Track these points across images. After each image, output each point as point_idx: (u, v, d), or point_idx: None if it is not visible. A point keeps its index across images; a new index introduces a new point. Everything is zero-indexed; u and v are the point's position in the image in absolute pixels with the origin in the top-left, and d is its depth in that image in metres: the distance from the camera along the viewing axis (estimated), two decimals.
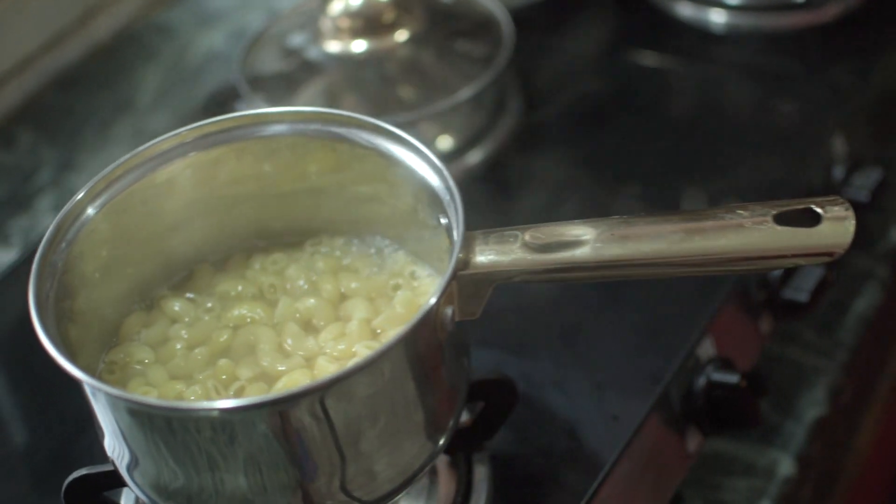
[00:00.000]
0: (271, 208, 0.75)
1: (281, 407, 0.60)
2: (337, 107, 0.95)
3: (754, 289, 0.85)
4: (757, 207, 0.64)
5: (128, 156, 0.71)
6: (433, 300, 0.61)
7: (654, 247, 0.63)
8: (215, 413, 0.60)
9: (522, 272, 0.64)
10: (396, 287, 0.73)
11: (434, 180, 0.67)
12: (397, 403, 0.63)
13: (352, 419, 0.62)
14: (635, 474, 0.76)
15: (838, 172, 0.92)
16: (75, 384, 0.84)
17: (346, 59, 0.93)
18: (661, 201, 0.92)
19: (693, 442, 0.81)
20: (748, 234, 0.63)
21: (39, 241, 0.99)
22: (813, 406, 0.87)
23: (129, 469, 0.67)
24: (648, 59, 1.03)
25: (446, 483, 0.74)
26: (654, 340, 0.81)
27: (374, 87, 0.94)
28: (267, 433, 0.61)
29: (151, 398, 0.63)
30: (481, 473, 0.74)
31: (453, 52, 0.95)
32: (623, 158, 0.95)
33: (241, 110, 0.97)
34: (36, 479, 0.80)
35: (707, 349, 0.81)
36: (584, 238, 0.64)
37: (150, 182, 0.71)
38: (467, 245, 0.64)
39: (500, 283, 0.64)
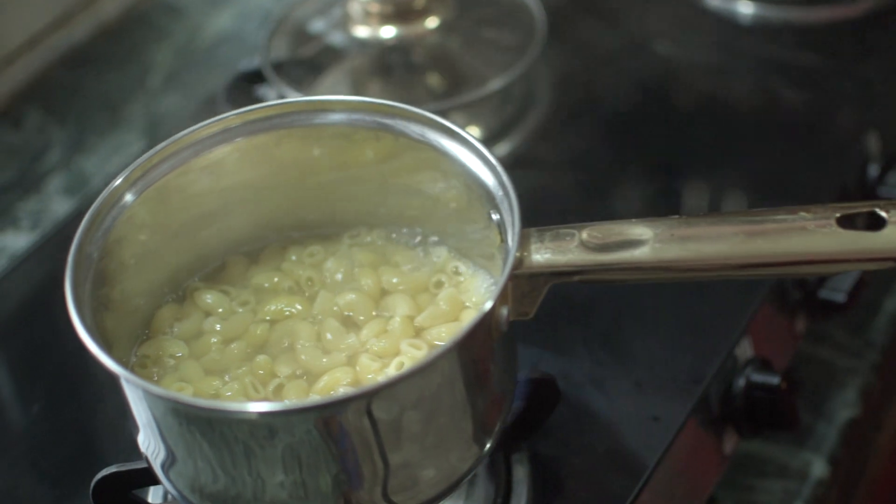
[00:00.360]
0: (309, 199, 0.73)
1: (338, 410, 0.58)
2: (362, 93, 0.93)
3: (791, 288, 0.83)
4: (819, 210, 0.62)
5: (168, 141, 0.68)
6: (491, 302, 0.60)
7: (715, 249, 0.62)
8: (266, 416, 0.58)
9: (580, 272, 0.62)
10: (439, 284, 0.71)
11: (486, 176, 0.65)
12: (447, 407, 0.62)
13: (400, 424, 0.60)
14: (674, 477, 0.75)
15: (873, 171, 0.91)
16: (99, 375, 0.82)
17: (373, 45, 0.91)
18: (692, 197, 0.90)
19: (729, 443, 0.79)
20: (811, 237, 0.61)
21: (52, 224, 0.99)
22: (845, 407, 0.86)
23: (165, 467, 0.65)
24: (676, 49, 1.01)
25: (485, 484, 0.72)
26: (692, 339, 0.79)
27: (402, 75, 0.91)
28: (314, 437, 0.59)
29: (200, 399, 0.61)
30: (520, 474, 0.72)
31: (483, 41, 0.93)
32: (651, 151, 0.93)
33: (266, 95, 0.96)
34: (59, 474, 0.77)
35: (745, 349, 0.79)
36: (643, 238, 0.62)
37: (189, 168, 0.69)
38: (522, 243, 0.62)
39: (557, 283, 0.62)
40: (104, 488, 0.69)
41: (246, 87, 0.94)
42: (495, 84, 0.89)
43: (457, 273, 0.71)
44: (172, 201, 0.69)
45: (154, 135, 1.05)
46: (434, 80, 0.92)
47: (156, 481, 0.69)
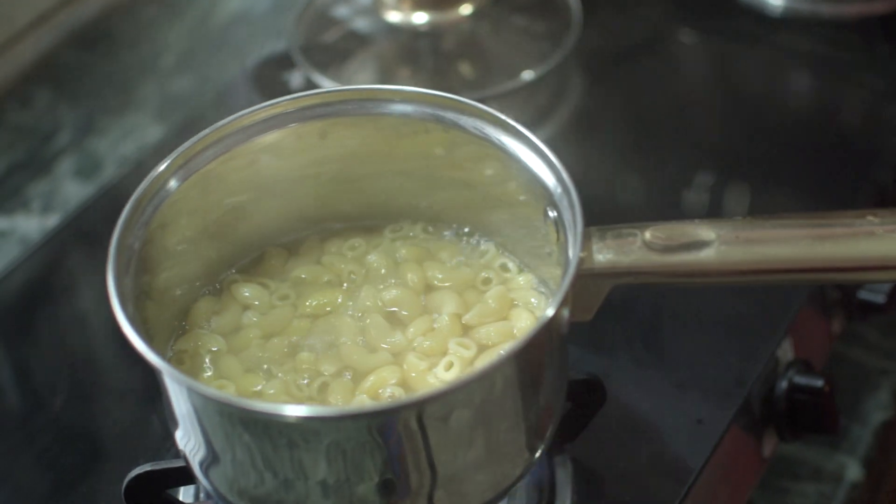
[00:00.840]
0: (351, 190, 0.70)
1: (405, 413, 0.56)
2: (390, 79, 0.91)
3: (830, 288, 0.82)
4: (887, 214, 0.61)
5: (212, 128, 0.66)
6: (555, 305, 0.58)
7: (782, 252, 0.60)
8: (327, 420, 0.56)
9: (644, 273, 0.60)
10: (487, 281, 0.69)
11: (543, 172, 0.63)
12: (504, 413, 0.60)
13: (455, 430, 0.58)
14: (717, 481, 0.73)
15: None
16: (122, 366, 0.81)
17: (405, 31, 0.89)
18: (725, 193, 0.89)
19: (769, 446, 0.78)
20: (881, 242, 0.60)
21: (62, 206, 0.96)
22: (879, 410, 0.85)
23: (204, 466, 0.63)
24: (705, 41, 0.99)
25: (527, 487, 0.70)
26: (734, 340, 0.77)
27: (433, 62, 0.89)
28: (367, 442, 0.57)
29: (255, 402, 0.58)
30: (563, 476, 0.70)
31: (515, 29, 0.91)
32: (682, 146, 0.91)
33: (294, 80, 0.93)
34: (83, 470, 0.75)
35: (786, 351, 0.78)
36: (707, 239, 0.60)
37: (233, 156, 0.66)
38: (584, 243, 0.60)
39: (618, 285, 0.61)
40: (137, 487, 0.67)
41: (272, 71, 0.92)
42: (528, 75, 0.87)
43: (504, 270, 0.69)
44: (213, 189, 0.67)
45: (168, 117, 1.02)
46: (465, 68, 0.89)
47: (192, 480, 0.67)
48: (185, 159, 0.65)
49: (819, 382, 0.76)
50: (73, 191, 0.98)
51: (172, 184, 0.65)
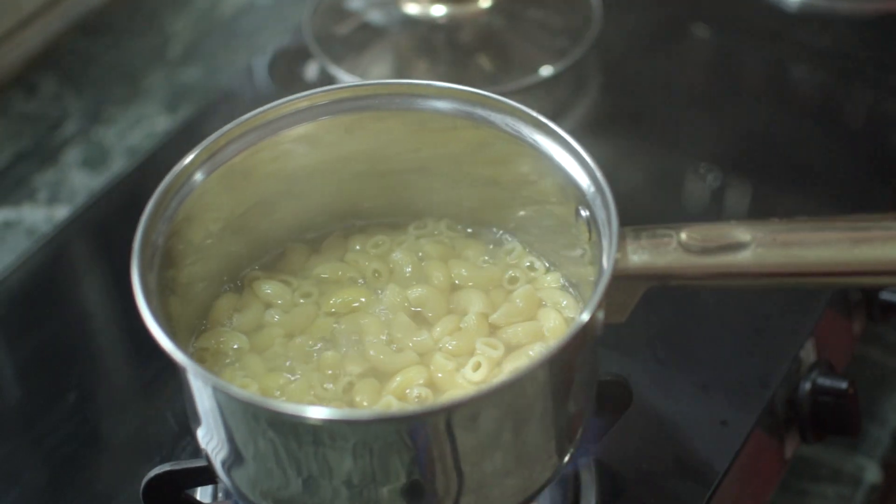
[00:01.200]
0: (375, 186, 0.69)
1: (432, 418, 0.55)
2: (409, 72, 0.89)
3: (853, 289, 0.81)
4: None
5: (238, 121, 0.65)
6: (591, 309, 0.56)
7: (820, 254, 0.59)
8: (368, 424, 0.55)
9: (679, 276, 0.59)
10: (513, 280, 0.68)
11: (576, 171, 0.62)
12: (535, 416, 0.59)
13: (487, 434, 0.57)
14: (740, 483, 0.72)
15: None
16: (133, 362, 0.79)
17: (422, 23, 0.88)
18: (742, 191, 0.88)
19: (790, 448, 0.77)
20: None
21: (71, 198, 0.95)
22: None
23: (226, 465, 0.62)
24: (723, 37, 0.98)
25: (552, 488, 0.69)
26: (757, 340, 0.77)
27: (450, 55, 0.88)
28: (399, 445, 0.56)
29: (284, 405, 0.57)
30: (587, 478, 0.70)
31: (533, 23, 0.90)
32: (700, 143, 0.90)
33: (310, 72, 0.92)
34: (97, 469, 0.74)
35: (809, 352, 0.77)
36: (744, 241, 0.59)
37: (258, 149, 0.65)
38: (619, 243, 0.59)
39: (653, 287, 0.60)
40: (156, 487, 0.66)
41: (287, 63, 0.90)
42: (547, 70, 0.86)
43: (531, 269, 0.68)
44: (238, 183, 0.66)
45: (177, 107, 1.01)
46: (483, 61, 0.88)
47: (212, 480, 0.66)
48: (210, 153, 0.64)
49: (843, 384, 0.75)
50: (80, 181, 0.96)
51: (198, 177, 0.64)
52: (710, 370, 0.75)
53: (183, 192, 0.63)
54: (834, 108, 0.94)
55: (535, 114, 0.63)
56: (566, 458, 0.62)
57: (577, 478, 0.69)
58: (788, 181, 0.88)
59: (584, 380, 0.61)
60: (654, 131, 0.90)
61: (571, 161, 0.62)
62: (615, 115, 0.91)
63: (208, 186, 0.64)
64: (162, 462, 0.71)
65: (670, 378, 0.75)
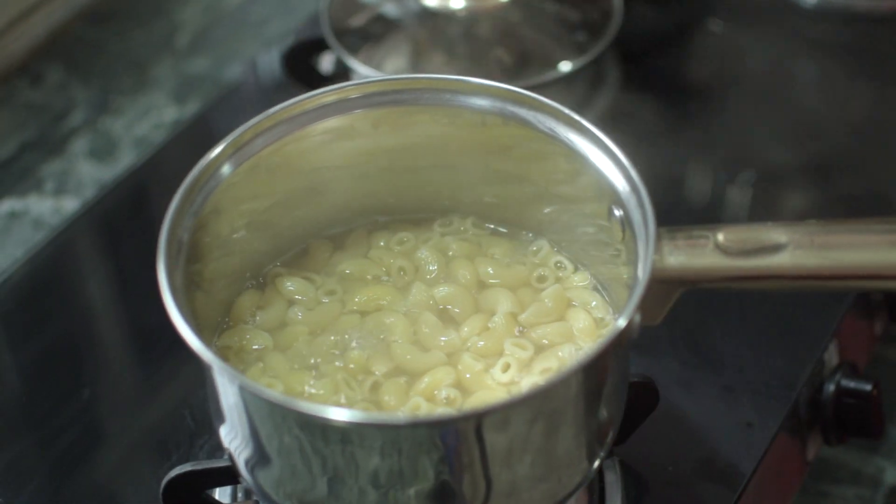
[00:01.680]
0: (401, 182, 0.68)
1: (464, 423, 0.54)
2: (426, 65, 0.88)
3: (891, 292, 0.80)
4: None
5: (264, 115, 0.63)
6: (629, 314, 0.55)
7: (858, 258, 0.58)
8: (410, 428, 0.54)
9: (716, 278, 0.58)
10: (542, 278, 0.67)
11: (610, 170, 0.61)
12: (568, 421, 0.58)
13: (520, 439, 0.57)
14: (765, 485, 0.72)
15: None
16: (145, 357, 0.78)
17: (440, 16, 0.86)
18: (762, 190, 0.87)
19: (812, 450, 0.76)
20: None
21: (78, 189, 0.93)
22: None
23: (250, 464, 0.60)
24: (741, 34, 0.97)
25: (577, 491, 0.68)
26: (780, 341, 0.76)
27: (467, 48, 0.87)
28: (430, 449, 0.55)
29: (315, 406, 0.55)
30: (612, 480, 0.69)
31: (553, 18, 0.88)
32: (721, 140, 0.90)
33: (326, 64, 0.91)
34: (114, 468, 0.72)
35: (831, 353, 0.76)
36: (781, 243, 0.58)
37: (284, 144, 0.64)
38: (655, 245, 0.58)
39: (689, 289, 0.59)
40: (176, 487, 0.65)
41: (302, 55, 0.89)
42: (566, 66, 0.84)
43: (560, 267, 0.67)
44: (263, 178, 0.65)
45: (185, 98, 0.99)
46: (500, 55, 0.86)
47: (233, 481, 0.65)
48: (236, 146, 0.63)
49: (867, 386, 0.75)
50: (88, 172, 0.95)
51: (224, 170, 0.62)
52: (734, 371, 0.74)
53: (209, 185, 0.62)
54: (854, 106, 0.93)
55: (571, 113, 0.62)
56: (596, 463, 0.61)
57: (601, 479, 0.68)
58: (808, 179, 0.87)
59: (616, 383, 0.60)
60: (674, 129, 0.89)
61: (606, 160, 0.61)
62: (634, 112, 0.89)
63: (234, 180, 0.63)
64: (179, 461, 0.70)
65: (695, 379, 0.74)
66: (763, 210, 0.84)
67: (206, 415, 0.72)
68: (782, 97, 0.93)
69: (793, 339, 0.76)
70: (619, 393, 0.62)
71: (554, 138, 0.62)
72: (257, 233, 0.66)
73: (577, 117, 0.62)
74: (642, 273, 0.57)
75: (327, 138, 0.65)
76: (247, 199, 0.64)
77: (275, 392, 0.57)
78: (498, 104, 0.63)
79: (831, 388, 0.75)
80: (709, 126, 0.90)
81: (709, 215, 0.84)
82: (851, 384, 0.75)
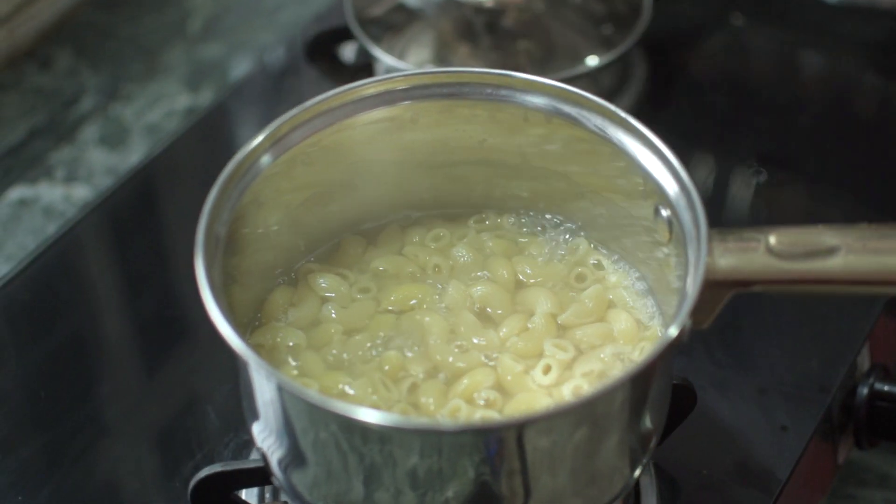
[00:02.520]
0: (435, 176, 0.67)
1: (508, 431, 0.53)
2: (449, 56, 0.86)
3: None
4: None
5: (301, 107, 0.62)
6: (681, 320, 0.54)
7: None
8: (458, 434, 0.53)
9: (768, 281, 0.57)
10: (581, 277, 0.65)
11: (657, 169, 0.60)
12: (611, 430, 0.57)
13: (560, 446, 0.55)
14: (798, 489, 0.71)
15: None
16: (166, 353, 0.76)
17: (465, 6, 0.85)
18: (789, 190, 0.86)
19: (843, 453, 0.75)
20: None
21: (89, 177, 0.91)
22: None
23: (285, 465, 0.59)
24: (767, 30, 0.96)
25: None
26: (814, 344, 0.75)
27: (491, 40, 0.85)
28: (473, 454, 0.54)
29: (357, 409, 0.54)
30: (647, 483, 0.67)
31: (580, 11, 0.87)
32: (747, 137, 0.88)
33: (349, 53, 0.89)
34: (135, 467, 0.71)
35: (864, 356, 0.75)
36: (834, 246, 0.57)
37: (321, 137, 0.63)
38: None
39: (739, 292, 0.57)
40: (205, 488, 0.63)
41: (327, 44, 0.87)
42: (593, 60, 0.83)
43: (599, 267, 0.66)
44: (300, 171, 0.63)
45: (197, 84, 0.98)
46: (525, 49, 0.85)
47: (262, 482, 0.63)
48: (273, 139, 0.61)
49: None
50: (98, 159, 0.93)
51: (264, 160, 0.61)
52: (768, 373, 0.73)
53: (246, 179, 0.60)
54: (878, 102, 0.92)
55: (621, 112, 0.60)
56: (638, 471, 0.60)
57: (636, 483, 0.67)
58: (837, 179, 0.86)
59: (661, 389, 0.59)
60: (702, 126, 0.88)
61: (655, 161, 0.60)
62: (661, 108, 0.88)
63: (272, 171, 0.61)
64: (204, 460, 0.69)
65: (728, 380, 0.73)
66: (792, 208, 0.83)
67: (230, 412, 0.70)
68: (813, 94, 0.92)
69: (826, 342, 0.75)
70: (664, 399, 0.60)
71: (601, 136, 0.61)
72: (291, 227, 0.64)
73: (627, 117, 0.60)
74: (694, 278, 0.55)
75: (367, 131, 0.63)
76: (284, 192, 0.62)
77: (315, 393, 0.56)
78: (544, 100, 0.62)
79: (864, 391, 0.74)
80: (737, 123, 0.89)
81: (738, 213, 0.83)
82: (885, 388, 0.74)
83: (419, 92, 0.63)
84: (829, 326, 0.75)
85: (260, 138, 0.60)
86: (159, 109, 0.96)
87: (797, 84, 0.93)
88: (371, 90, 0.62)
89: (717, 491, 0.68)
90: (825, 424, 0.72)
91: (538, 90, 0.62)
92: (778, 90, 0.92)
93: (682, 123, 0.87)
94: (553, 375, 0.61)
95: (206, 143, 0.88)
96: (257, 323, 0.64)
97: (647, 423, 0.59)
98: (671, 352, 0.56)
